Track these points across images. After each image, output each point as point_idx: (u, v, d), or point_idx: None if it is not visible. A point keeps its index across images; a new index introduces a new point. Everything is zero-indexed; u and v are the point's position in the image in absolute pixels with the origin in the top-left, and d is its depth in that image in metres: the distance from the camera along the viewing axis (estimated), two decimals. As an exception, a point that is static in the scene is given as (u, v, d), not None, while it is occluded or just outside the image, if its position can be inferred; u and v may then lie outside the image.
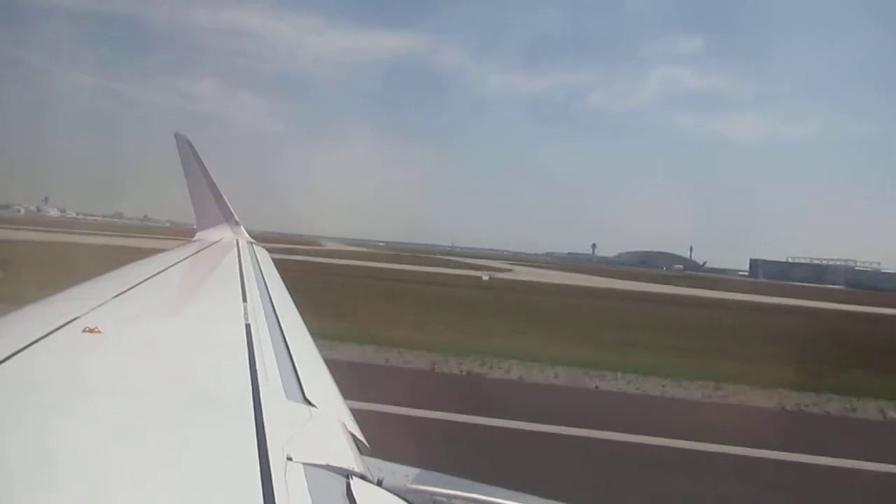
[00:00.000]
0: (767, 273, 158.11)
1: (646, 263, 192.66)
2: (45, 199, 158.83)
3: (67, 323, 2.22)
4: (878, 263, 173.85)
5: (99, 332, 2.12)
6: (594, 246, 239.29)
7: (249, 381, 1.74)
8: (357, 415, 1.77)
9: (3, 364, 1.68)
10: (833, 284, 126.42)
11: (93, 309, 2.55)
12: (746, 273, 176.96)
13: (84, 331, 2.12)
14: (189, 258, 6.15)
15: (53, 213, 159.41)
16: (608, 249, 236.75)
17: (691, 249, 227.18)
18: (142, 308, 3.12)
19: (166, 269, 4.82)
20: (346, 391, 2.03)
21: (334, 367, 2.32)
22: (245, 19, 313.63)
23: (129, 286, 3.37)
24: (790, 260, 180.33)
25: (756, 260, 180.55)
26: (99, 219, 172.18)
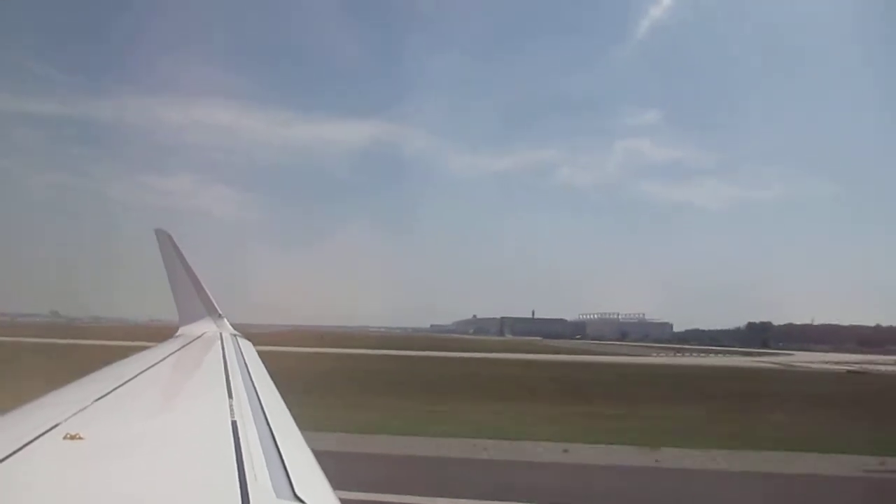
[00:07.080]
0: (515, 330, 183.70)
1: (480, 331, 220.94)
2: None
3: (48, 430, 2.13)
4: (643, 314, 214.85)
5: (81, 438, 2.03)
6: (474, 316, 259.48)
7: (237, 481, 1.69)
8: None
9: None
10: (567, 337, 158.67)
11: (74, 414, 2.45)
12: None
13: (65, 437, 2.03)
14: (173, 355, 5.95)
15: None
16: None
17: (533, 313, 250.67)
18: (125, 411, 3.00)
19: (149, 367, 4.67)
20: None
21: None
22: (216, 116, 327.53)
23: (111, 388, 3.28)
24: (581, 317, 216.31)
25: (503, 318, 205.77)
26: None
